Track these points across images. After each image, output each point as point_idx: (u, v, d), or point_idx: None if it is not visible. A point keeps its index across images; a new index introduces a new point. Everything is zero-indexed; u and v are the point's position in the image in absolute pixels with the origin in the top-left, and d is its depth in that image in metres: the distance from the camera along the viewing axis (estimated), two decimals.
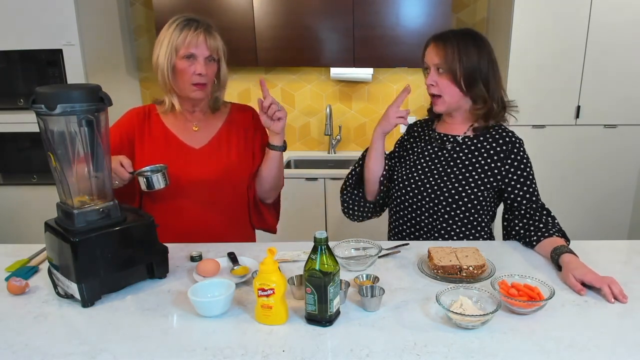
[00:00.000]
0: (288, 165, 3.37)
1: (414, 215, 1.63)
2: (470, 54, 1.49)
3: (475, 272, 1.29)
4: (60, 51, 2.72)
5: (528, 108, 2.88)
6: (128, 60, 3.31)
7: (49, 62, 2.75)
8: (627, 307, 1.17)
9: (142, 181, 1.47)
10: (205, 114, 1.67)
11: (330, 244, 1.18)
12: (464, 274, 1.29)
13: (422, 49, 1.58)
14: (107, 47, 3.08)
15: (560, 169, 3.00)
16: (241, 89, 3.38)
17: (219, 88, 1.64)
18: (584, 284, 1.24)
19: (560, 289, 1.24)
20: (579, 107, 2.89)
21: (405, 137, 1.75)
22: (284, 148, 1.63)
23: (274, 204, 1.81)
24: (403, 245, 1.52)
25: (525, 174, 1.54)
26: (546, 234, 1.45)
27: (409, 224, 1.65)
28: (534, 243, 1.46)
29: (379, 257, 1.44)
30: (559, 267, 1.34)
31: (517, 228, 1.53)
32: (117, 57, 3.19)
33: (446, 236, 1.59)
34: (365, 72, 3.22)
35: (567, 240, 1.46)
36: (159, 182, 1.47)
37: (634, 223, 3.07)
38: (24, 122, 2.80)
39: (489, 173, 1.54)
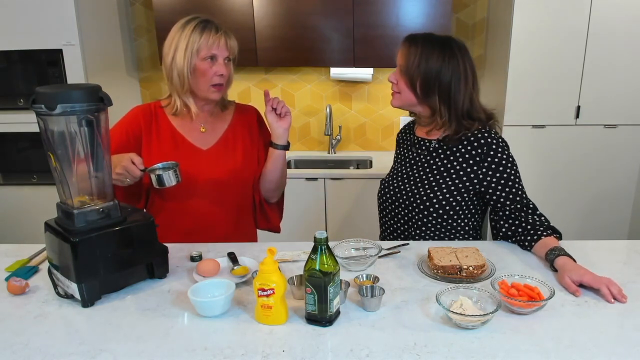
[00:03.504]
0: (288, 165, 3.36)
1: (393, 221, 1.65)
2: (432, 62, 1.46)
3: (475, 272, 1.29)
4: (60, 51, 2.72)
5: (528, 108, 2.88)
6: (128, 60, 3.31)
7: (49, 62, 2.74)
8: (627, 307, 1.17)
9: (153, 178, 1.47)
10: (212, 115, 1.67)
11: (330, 244, 1.18)
12: (464, 274, 1.29)
13: None
14: (107, 47, 3.07)
15: (560, 169, 2.99)
16: (241, 89, 3.38)
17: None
18: (581, 285, 1.24)
19: (560, 289, 1.24)
20: (579, 107, 2.89)
21: (397, 143, 1.78)
22: (287, 147, 1.64)
23: (278, 203, 1.82)
24: (403, 245, 1.52)
25: (505, 175, 1.50)
26: (535, 237, 1.44)
27: (391, 229, 1.67)
28: (528, 248, 1.46)
29: (379, 257, 1.44)
30: (554, 269, 1.34)
31: (503, 229, 1.53)
32: (117, 57, 3.18)
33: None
34: (365, 72, 3.22)
35: (558, 234, 1.45)
36: (170, 179, 1.47)
37: (634, 223, 3.06)
38: (24, 122, 2.80)
39: (464, 178, 1.53)
